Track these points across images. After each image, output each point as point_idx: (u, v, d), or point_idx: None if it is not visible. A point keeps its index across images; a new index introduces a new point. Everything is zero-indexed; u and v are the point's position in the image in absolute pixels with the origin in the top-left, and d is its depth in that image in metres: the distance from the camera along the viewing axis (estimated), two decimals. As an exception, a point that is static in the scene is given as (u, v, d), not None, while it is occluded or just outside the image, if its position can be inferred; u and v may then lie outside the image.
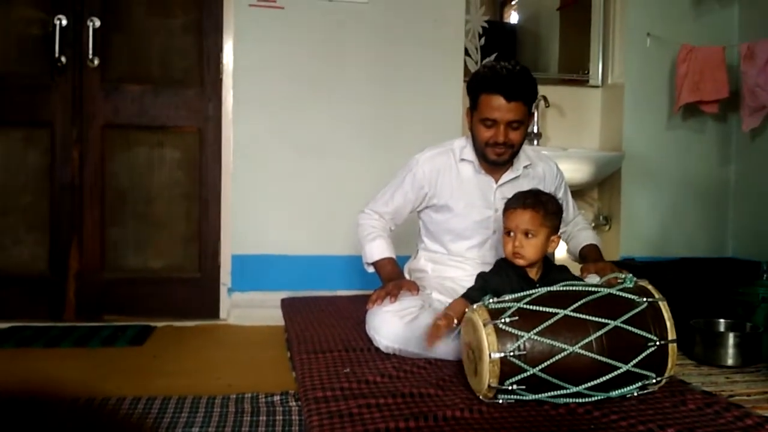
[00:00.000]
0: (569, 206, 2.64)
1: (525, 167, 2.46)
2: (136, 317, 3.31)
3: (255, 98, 3.36)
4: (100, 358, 2.73)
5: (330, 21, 3.40)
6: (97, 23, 3.25)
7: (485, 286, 2.03)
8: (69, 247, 3.29)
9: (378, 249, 2.46)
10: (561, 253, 3.10)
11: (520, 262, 2.03)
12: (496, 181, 2.43)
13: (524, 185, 2.38)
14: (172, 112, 3.35)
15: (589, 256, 2.49)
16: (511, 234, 2.03)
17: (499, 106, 2.24)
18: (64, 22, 3.23)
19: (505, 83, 2.23)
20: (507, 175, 2.43)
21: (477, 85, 2.31)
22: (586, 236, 2.59)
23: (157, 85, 3.34)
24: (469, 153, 2.44)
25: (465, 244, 2.47)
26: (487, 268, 2.17)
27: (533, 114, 2.41)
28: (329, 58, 3.41)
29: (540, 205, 2.05)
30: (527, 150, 2.54)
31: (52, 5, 3.23)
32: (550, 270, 2.09)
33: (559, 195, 2.57)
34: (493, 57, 3.65)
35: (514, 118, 2.26)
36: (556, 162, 2.63)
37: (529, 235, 2.01)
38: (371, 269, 2.50)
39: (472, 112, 2.36)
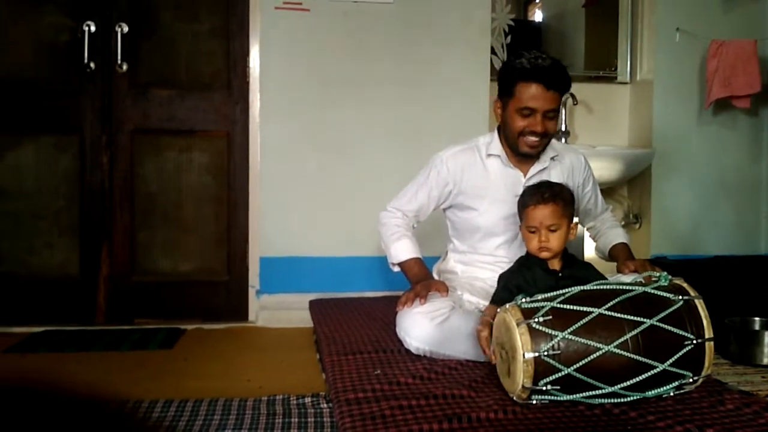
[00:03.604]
0: (597, 200, 2.62)
1: (552, 158, 2.44)
2: (166, 320, 3.33)
3: (282, 101, 3.36)
4: (131, 362, 2.75)
5: (356, 22, 3.39)
6: (125, 29, 3.28)
7: (507, 285, 2.04)
8: (99, 251, 3.33)
9: (404, 249, 2.44)
10: (589, 252, 3.07)
11: (546, 254, 2.04)
12: (524, 174, 2.41)
13: (553, 177, 2.36)
14: (199, 116, 3.37)
15: (620, 255, 2.46)
16: (535, 231, 2.04)
17: (537, 95, 2.23)
18: (93, 29, 3.26)
19: (544, 72, 2.22)
20: (535, 168, 2.41)
21: (514, 74, 2.28)
22: (616, 234, 2.56)
23: (184, 90, 3.36)
24: (496, 147, 2.41)
25: (494, 241, 2.45)
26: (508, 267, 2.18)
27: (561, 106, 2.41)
28: (355, 59, 3.41)
29: (558, 198, 2.07)
30: (553, 142, 2.52)
31: (81, 12, 3.27)
32: (572, 261, 2.09)
33: (588, 187, 2.55)
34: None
35: (551, 107, 2.25)
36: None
37: (553, 229, 2.03)
38: (396, 269, 2.48)
39: (505, 102, 2.33)
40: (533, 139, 2.29)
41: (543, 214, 2.04)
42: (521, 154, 2.35)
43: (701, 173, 3.71)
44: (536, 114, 2.25)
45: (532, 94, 2.23)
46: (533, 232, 2.04)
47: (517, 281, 2.03)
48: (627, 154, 3.54)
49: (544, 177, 2.35)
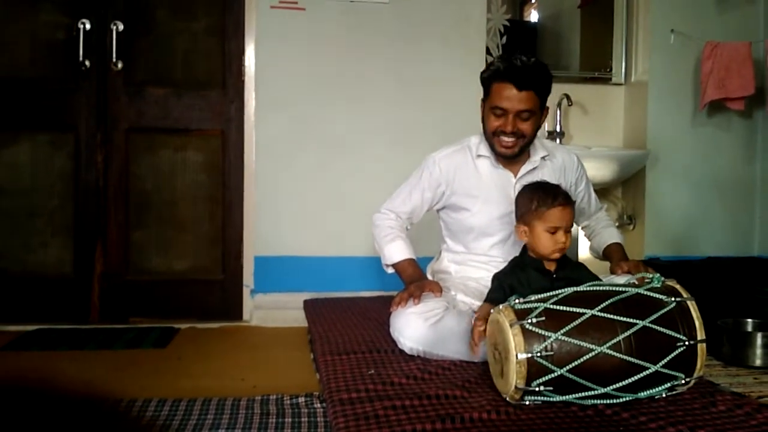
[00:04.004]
0: (591, 199, 2.62)
1: (542, 158, 2.44)
2: (160, 319, 3.32)
3: (277, 100, 3.36)
4: (125, 361, 2.75)
5: (351, 21, 3.39)
6: (121, 27, 3.28)
7: (502, 285, 2.03)
8: (94, 249, 3.32)
9: (398, 250, 2.44)
10: (583, 253, 3.08)
11: (558, 255, 2.03)
12: (515, 175, 2.41)
13: (545, 175, 2.36)
14: (195, 114, 3.36)
15: (613, 255, 2.47)
16: (555, 231, 2.02)
17: (509, 96, 2.25)
18: (88, 26, 3.26)
19: (517, 72, 2.24)
20: (525, 168, 2.42)
21: (490, 75, 2.32)
22: (611, 234, 2.57)
23: (180, 88, 3.36)
24: (485, 148, 2.43)
25: (488, 241, 2.45)
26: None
27: (547, 108, 2.40)
28: (351, 58, 3.41)
29: (570, 198, 2.08)
30: (544, 142, 2.52)
31: (76, 10, 3.26)
32: (566, 262, 2.09)
33: (581, 186, 2.55)
34: (515, 55, 3.63)
35: (524, 107, 2.26)
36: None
37: (569, 230, 2.04)
38: (391, 270, 2.49)
39: (484, 102, 2.37)
40: (506, 139, 2.30)
41: (566, 215, 2.03)
42: (500, 155, 2.36)
43: (695, 174, 3.72)
44: (508, 114, 2.27)
45: (503, 94, 2.26)
46: (553, 233, 2.02)
47: (511, 282, 2.03)
48: (621, 155, 3.55)
49: (535, 177, 2.35)
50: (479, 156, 2.43)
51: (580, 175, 2.55)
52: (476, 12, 3.51)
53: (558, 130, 3.63)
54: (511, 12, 3.76)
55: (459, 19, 3.48)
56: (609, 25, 3.86)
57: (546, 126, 3.65)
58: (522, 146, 2.34)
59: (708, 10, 3.69)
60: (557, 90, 3.59)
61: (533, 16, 4.24)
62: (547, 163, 2.46)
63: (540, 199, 2.05)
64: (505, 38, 3.69)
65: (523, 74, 2.23)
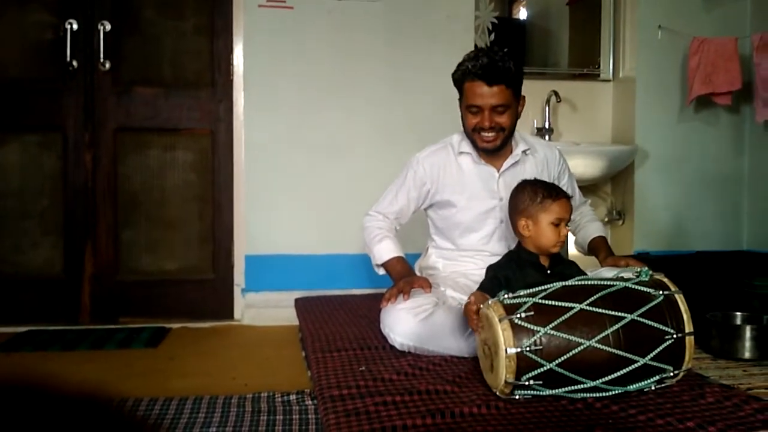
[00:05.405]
0: (575, 193, 2.63)
1: (524, 152, 2.46)
2: (151, 319, 3.32)
3: (266, 99, 3.36)
4: (116, 361, 2.74)
5: (340, 20, 3.40)
6: (108, 27, 3.27)
7: (497, 275, 2.05)
8: (83, 250, 3.31)
9: (386, 249, 2.46)
10: (574, 250, 3.09)
11: (559, 248, 2.06)
12: (498, 170, 2.43)
13: (527, 169, 2.41)
14: (183, 114, 3.36)
15: (598, 248, 2.48)
16: (559, 224, 2.04)
17: (481, 93, 2.28)
18: (75, 27, 3.25)
19: (484, 69, 2.26)
20: (507, 162, 2.43)
21: (460, 75, 2.35)
22: (595, 228, 2.59)
23: (168, 88, 3.35)
24: (467, 145, 2.45)
25: (474, 236, 2.47)
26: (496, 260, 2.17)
27: (524, 97, 2.41)
28: (340, 57, 3.41)
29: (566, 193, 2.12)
30: (525, 136, 2.54)
31: (63, 10, 3.25)
32: (559, 258, 2.11)
33: (564, 180, 2.57)
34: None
35: (498, 102, 2.28)
36: (559, 149, 2.63)
37: (567, 223, 2.08)
38: (381, 271, 2.50)
39: (460, 101, 2.40)
40: (486, 135, 2.33)
41: (569, 207, 2.07)
42: (482, 150, 2.38)
43: (683, 169, 3.74)
44: (483, 111, 2.30)
45: (476, 92, 2.29)
46: (557, 225, 2.04)
47: (506, 273, 2.04)
48: (610, 151, 3.57)
49: (517, 170, 2.41)
50: (461, 153, 2.45)
51: (562, 169, 2.57)
52: (464, 10, 3.51)
53: (546, 126, 3.65)
54: (499, 9, 3.78)
55: (447, 17, 3.48)
56: (597, 22, 3.87)
57: (535, 123, 3.67)
58: (503, 139, 2.36)
59: (695, 6, 3.71)
60: (546, 86, 3.63)
61: (522, 14, 4.25)
62: (529, 157, 2.48)
63: (545, 192, 2.08)
64: (493, 35, 3.70)
65: (491, 70, 2.26)
